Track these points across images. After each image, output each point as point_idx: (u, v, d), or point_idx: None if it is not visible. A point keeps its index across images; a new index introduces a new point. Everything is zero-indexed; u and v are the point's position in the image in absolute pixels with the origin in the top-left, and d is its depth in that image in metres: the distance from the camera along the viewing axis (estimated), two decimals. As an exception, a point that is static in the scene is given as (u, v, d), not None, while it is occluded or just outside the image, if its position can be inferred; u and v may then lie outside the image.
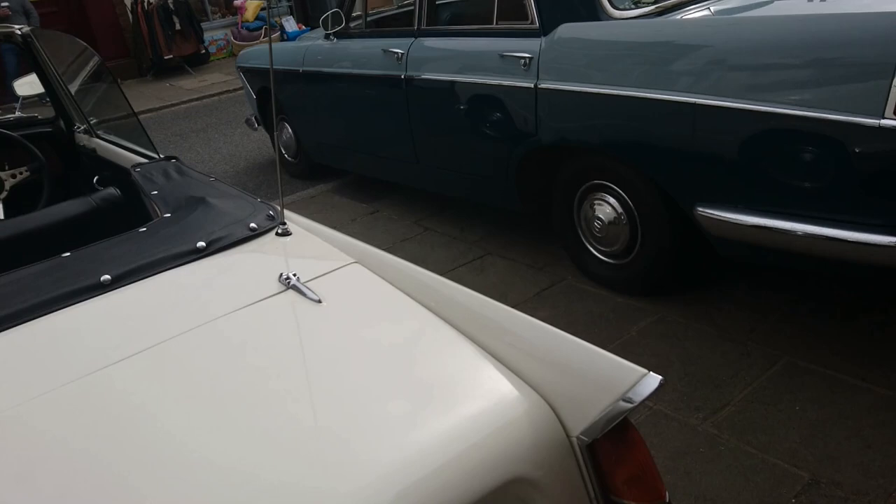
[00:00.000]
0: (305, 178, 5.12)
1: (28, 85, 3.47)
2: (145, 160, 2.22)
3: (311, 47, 4.41)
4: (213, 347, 1.10)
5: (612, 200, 2.86)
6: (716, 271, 2.99)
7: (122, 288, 1.26)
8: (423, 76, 3.46)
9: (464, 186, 3.63)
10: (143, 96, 9.45)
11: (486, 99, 3.17)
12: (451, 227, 3.89)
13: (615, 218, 2.86)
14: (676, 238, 2.71)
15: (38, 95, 3.57)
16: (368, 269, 1.32)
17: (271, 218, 1.51)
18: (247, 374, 1.04)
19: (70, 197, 2.39)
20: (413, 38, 3.58)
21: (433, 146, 3.62)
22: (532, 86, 2.88)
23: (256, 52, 5.35)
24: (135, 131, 2.50)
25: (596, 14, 2.76)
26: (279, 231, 1.46)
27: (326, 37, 4.27)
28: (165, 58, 10.44)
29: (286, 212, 1.62)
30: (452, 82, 3.29)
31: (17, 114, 3.20)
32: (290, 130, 4.99)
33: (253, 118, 5.48)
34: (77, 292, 1.24)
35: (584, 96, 2.70)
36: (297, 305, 1.19)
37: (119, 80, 10.27)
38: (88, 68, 2.86)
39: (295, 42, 4.89)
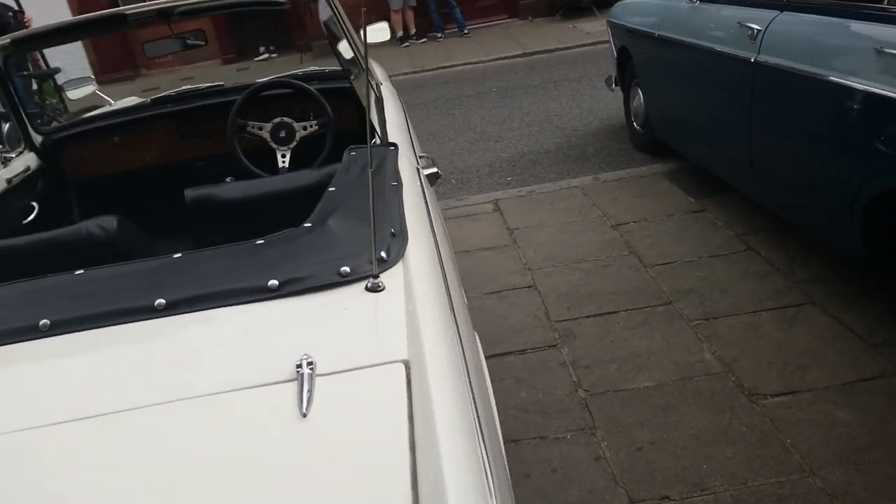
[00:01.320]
0: (647, 153, 4.61)
1: (376, 32, 3.66)
2: (380, 141, 2.11)
3: (672, 8, 3.82)
4: (144, 439, 0.93)
5: None
6: None
7: (166, 318, 1.15)
8: (776, 63, 2.69)
9: (797, 208, 2.82)
10: (544, 36, 9.60)
11: (847, 107, 2.32)
12: (778, 253, 3.08)
13: None
14: None
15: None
16: (413, 376, 0.99)
17: (380, 262, 1.24)
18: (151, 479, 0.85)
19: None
20: (778, 11, 2.79)
21: (772, 151, 2.86)
22: (910, 101, 2.00)
23: (630, 8, 4.86)
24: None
25: None
26: (369, 285, 1.19)
27: (689, -2, 3.63)
28: (577, -3, 10.41)
29: (415, 250, 1.34)
30: (810, 77, 2.48)
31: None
32: (640, 97, 4.50)
33: (613, 78, 5.09)
34: (129, 311, 1.17)
35: None
36: (276, 412, 0.94)
37: (530, 18, 10.49)
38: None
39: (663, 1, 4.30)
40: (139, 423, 0.94)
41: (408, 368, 1.01)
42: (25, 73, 5.54)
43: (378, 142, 2.06)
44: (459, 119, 6.34)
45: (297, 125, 2.72)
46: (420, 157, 2.16)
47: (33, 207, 2.60)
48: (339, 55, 2.55)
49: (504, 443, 2.23)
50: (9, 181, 2.48)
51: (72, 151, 2.84)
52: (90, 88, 3.57)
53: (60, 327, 1.16)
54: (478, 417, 0.99)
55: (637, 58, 4.36)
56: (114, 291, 1.25)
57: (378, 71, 3.44)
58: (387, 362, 1.02)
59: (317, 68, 3.06)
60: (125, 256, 1.84)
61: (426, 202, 1.70)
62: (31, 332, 1.15)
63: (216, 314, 1.16)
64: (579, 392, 2.43)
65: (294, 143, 2.71)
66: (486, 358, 2.67)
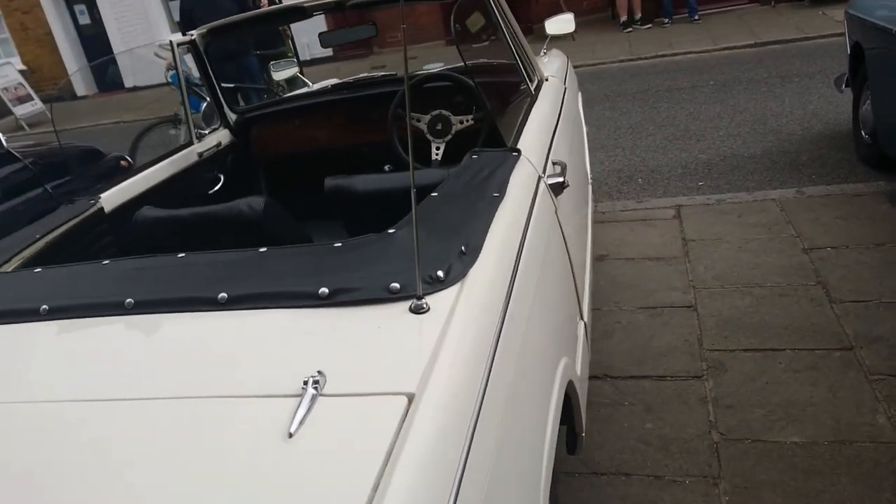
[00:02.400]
0: (871, 167, 4.00)
1: (559, 23, 3.54)
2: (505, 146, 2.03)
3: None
4: (129, 429, 0.99)
5: None
6: None
7: (221, 312, 1.22)
8: None
9: None
10: (783, 24, 8.67)
11: None
12: None
13: None
14: None
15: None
16: (412, 411, 0.95)
17: (431, 281, 1.21)
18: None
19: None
20: None
21: None
22: None
23: (874, -4, 4.20)
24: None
25: None
26: (412, 306, 1.16)
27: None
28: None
29: (483, 271, 1.28)
30: None
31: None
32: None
33: (844, 78, 4.46)
34: (196, 301, 1.25)
35: None
36: (266, 426, 0.94)
37: (773, 3, 9.53)
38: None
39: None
40: (131, 413, 1.01)
41: (410, 402, 0.97)
42: (258, 52, 6.16)
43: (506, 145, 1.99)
44: (664, 113, 5.96)
45: (454, 118, 2.73)
46: (554, 163, 2.05)
47: (220, 179, 2.89)
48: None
49: (614, 475, 2.11)
50: (200, 154, 2.78)
51: (259, 130, 3.11)
52: (293, 70, 3.88)
53: (141, 307, 1.27)
54: (464, 464, 0.92)
55: (869, 56, 3.77)
56: (195, 279, 1.34)
57: (556, 62, 3.32)
58: (390, 393, 0.99)
59: (486, 60, 3.02)
60: (270, 235, 1.98)
61: (529, 216, 1.61)
62: (119, 308, 1.28)
63: (264, 315, 1.20)
64: (713, 434, 2.19)
65: (449, 136, 2.72)
66: (620, 378, 2.52)
